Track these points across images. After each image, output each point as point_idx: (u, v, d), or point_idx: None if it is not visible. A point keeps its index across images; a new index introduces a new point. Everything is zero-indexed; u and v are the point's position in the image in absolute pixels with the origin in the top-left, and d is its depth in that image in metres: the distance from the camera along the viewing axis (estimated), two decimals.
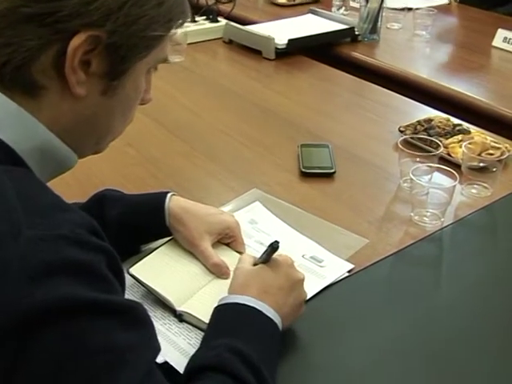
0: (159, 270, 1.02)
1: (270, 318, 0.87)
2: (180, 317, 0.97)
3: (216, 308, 0.90)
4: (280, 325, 0.89)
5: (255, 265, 0.95)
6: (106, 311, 0.66)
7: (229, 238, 1.09)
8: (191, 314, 0.96)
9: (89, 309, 0.64)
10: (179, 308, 0.97)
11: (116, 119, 0.80)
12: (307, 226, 1.22)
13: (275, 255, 0.95)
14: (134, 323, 0.68)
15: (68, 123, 0.75)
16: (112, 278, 0.68)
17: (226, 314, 0.89)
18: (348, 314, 1.03)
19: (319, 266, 1.10)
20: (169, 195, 1.06)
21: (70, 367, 0.62)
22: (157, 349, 0.72)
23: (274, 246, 0.93)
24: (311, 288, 1.02)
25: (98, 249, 0.68)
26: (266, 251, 0.95)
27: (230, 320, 0.87)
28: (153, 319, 0.93)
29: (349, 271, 1.10)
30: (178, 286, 1.00)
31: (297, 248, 1.13)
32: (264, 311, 0.87)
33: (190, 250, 1.05)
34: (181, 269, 1.03)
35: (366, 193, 1.37)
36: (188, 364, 0.83)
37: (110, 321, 0.66)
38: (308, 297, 0.98)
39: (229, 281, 1.01)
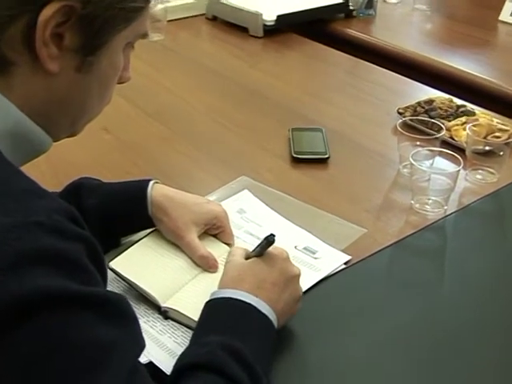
0: (142, 264, 1.04)
1: (265, 314, 0.88)
2: (165, 314, 0.98)
3: (207, 303, 0.91)
4: (275, 322, 0.90)
5: (248, 258, 0.97)
6: (87, 304, 0.66)
7: (216, 229, 1.10)
8: (177, 311, 0.97)
9: (68, 301, 0.65)
10: (164, 304, 0.98)
11: (92, 98, 0.81)
12: (299, 215, 1.23)
13: (270, 248, 0.96)
14: (117, 317, 0.69)
15: (41, 103, 0.76)
16: (93, 268, 0.69)
17: (218, 309, 0.90)
18: (345, 308, 1.04)
19: (313, 257, 1.12)
20: (151, 183, 1.07)
21: (47, 365, 0.63)
22: (142, 345, 0.73)
23: (269, 240, 0.94)
24: (305, 281, 1.03)
25: (78, 237, 0.68)
26: (260, 244, 0.96)
27: (222, 316, 0.88)
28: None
29: (345, 263, 1.12)
30: (162, 280, 1.01)
31: (289, 239, 1.14)
32: (259, 307, 0.88)
33: (175, 241, 1.07)
34: (165, 262, 1.05)
35: (362, 179, 1.38)
36: (176, 362, 0.83)
37: (91, 314, 0.66)
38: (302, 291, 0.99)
39: (217, 274, 1.02)
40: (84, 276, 0.67)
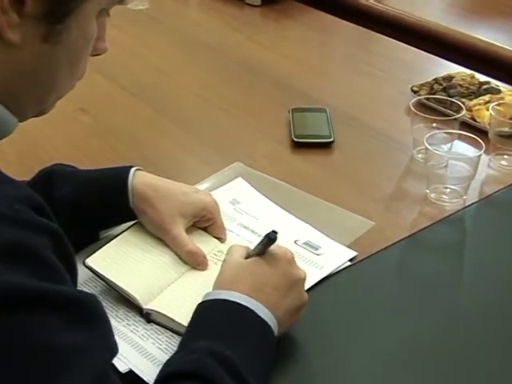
0: (122, 261, 1.04)
1: (263, 319, 0.88)
2: (147, 316, 0.98)
3: (199, 305, 0.91)
4: (275, 329, 0.90)
5: (247, 257, 0.97)
6: (51, 303, 0.67)
7: (206, 222, 1.10)
8: (161, 313, 0.97)
9: (29, 300, 0.65)
10: (146, 306, 0.98)
11: (62, 72, 0.81)
12: (300, 206, 1.24)
13: (272, 247, 0.96)
14: (84, 318, 0.70)
15: (3, 77, 0.76)
16: (59, 264, 0.70)
17: (210, 312, 0.90)
18: (349, 311, 1.05)
19: (315, 253, 1.12)
20: (132, 170, 1.07)
21: (1, 369, 0.64)
22: (112, 350, 0.73)
23: (271, 237, 0.94)
24: (306, 280, 1.02)
25: (43, 229, 0.69)
26: (261, 242, 0.96)
27: (215, 319, 0.89)
28: (114, 320, 0.96)
29: (351, 260, 1.12)
30: (144, 279, 1.02)
31: (288, 232, 1.14)
32: (257, 311, 0.88)
33: (159, 235, 1.07)
34: (148, 259, 1.05)
35: (371, 166, 1.39)
36: (161, 370, 0.84)
37: (55, 315, 0.67)
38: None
39: (207, 273, 1.03)
40: (48, 272, 0.68)
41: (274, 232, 0.94)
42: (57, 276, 0.69)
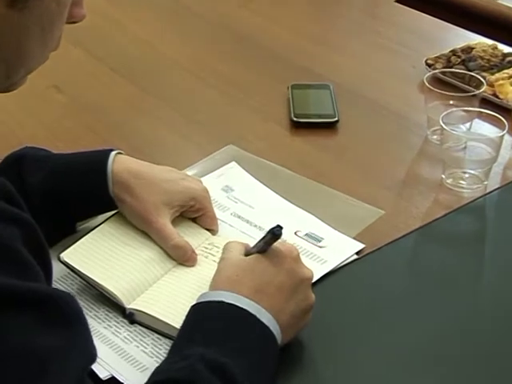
0: (101, 255, 1.04)
1: (265, 325, 0.88)
2: (131, 317, 0.99)
3: (193, 307, 0.91)
4: (278, 337, 0.90)
5: (248, 255, 0.97)
6: (21, 303, 0.67)
7: (195, 212, 1.11)
8: (146, 313, 0.98)
9: None
10: (129, 305, 0.99)
11: (32, 41, 0.80)
12: (301, 193, 1.24)
13: (276, 244, 0.96)
14: (59, 320, 0.70)
15: None
16: (31, 258, 0.70)
17: (205, 315, 0.90)
18: (357, 310, 1.05)
19: (318, 246, 1.13)
20: (112, 154, 1.07)
21: None
22: (91, 354, 0.74)
23: (275, 233, 0.94)
24: None
25: (12, 219, 0.69)
26: (263, 238, 0.96)
27: (210, 323, 0.89)
28: (94, 321, 0.97)
29: (358, 253, 1.13)
30: (126, 275, 1.02)
31: (287, 223, 1.11)
32: (258, 315, 0.88)
33: (143, 227, 1.07)
34: (130, 253, 1.05)
35: (380, 149, 1.39)
36: (149, 378, 0.84)
37: (26, 317, 0.67)
38: None
39: (196, 269, 1.04)
40: (19, 267, 0.68)
41: (279, 227, 0.93)
42: (29, 272, 0.69)
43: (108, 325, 0.99)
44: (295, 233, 1.15)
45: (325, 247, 1.13)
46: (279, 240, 0.95)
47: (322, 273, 1.08)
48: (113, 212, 1.10)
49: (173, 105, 1.51)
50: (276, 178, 1.28)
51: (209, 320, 0.89)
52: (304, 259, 1.02)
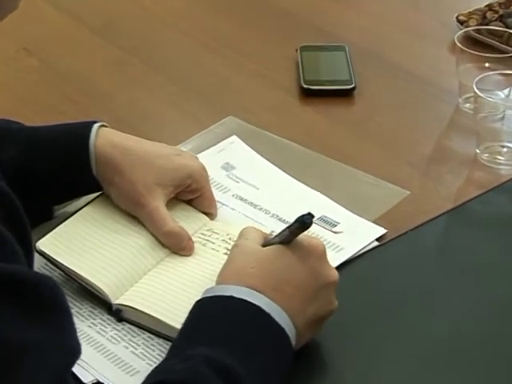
0: (83, 244, 1.04)
1: (280, 325, 0.88)
2: (118, 314, 0.99)
3: (197, 302, 0.91)
4: (293, 340, 0.90)
5: (267, 245, 0.96)
6: None
7: (191, 193, 1.11)
8: (136, 309, 0.98)
9: None
10: (117, 301, 0.99)
11: None
12: (312, 171, 1.24)
13: (302, 236, 0.95)
14: (39, 306, 0.70)
15: None
16: (9, 235, 0.70)
17: (211, 311, 0.90)
18: (377, 306, 1.04)
19: (332, 231, 1.13)
20: (95, 126, 1.07)
21: None
22: (75, 349, 0.74)
23: (304, 222, 0.92)
24: None
25: None
26: (288, 227, 0.95)
27: (216, 321, 0.89)
28: (76, 318, 0.96)
29: (378, 239, 1.13)
30: (113, 267, 1.02)
31: (297, 205, 1.14)
32: (273, 314, 0.88)
33: (132, 211, 1.08)
34: (117, 241, 1.05)
35: (404, 120, 1.39)
36: (145, 380, 0.84)
37: (4, 301, 0.67)
38: None
39: (194, 258, 1.04)
40: None
41: (310, 215, 0.92)
42: (6, 250, 0.69)
43: (92, 323, 0.99)
44: None
45: (341, 233, 1.13)
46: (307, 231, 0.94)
47: (338, 262, 1.08)
48: (96, 194, 1.10)
49: (163, 71, 1.51)
50: (284, 153, 1.28)
51: (213, 317, 0.90)
52: None
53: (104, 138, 1.07)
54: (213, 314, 0.90)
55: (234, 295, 0.88)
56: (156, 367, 0.86)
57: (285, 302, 0.90)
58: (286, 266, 0.93)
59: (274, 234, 0.98)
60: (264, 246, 0.96)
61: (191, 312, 0.91)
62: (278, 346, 0.89)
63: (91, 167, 1.06)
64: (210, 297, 0.90)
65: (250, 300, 0.88)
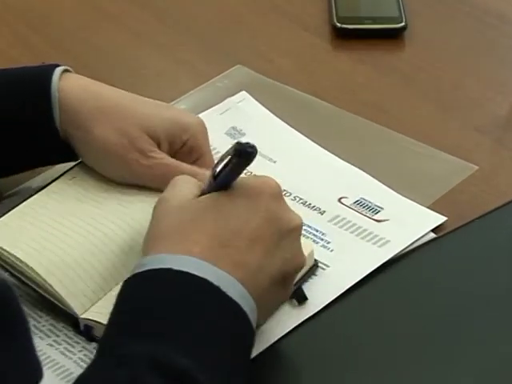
0: (45, 236, 1.03)
1: (232, 299, 0.86)
2: (87, 331, 0.99)
3: (126, 282, 0.90)
4: (252, 315, 0.89)
5: (203, 194, 0.95)
6: None
7: (187, 154, 1.11)
8: None
9: None
10: (84, 315, 0.98)
11: None
12: (348, 138, 1.24)
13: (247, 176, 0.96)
14: None
15: None
16: None
17: (143, 292, 0.89)
18: (433, 315, 1.03)
19: (374, 219, 1.12)
20: (58, 70, 1.08)
21: None
22: (35, 372, 0.73)
23: (245, 150, 0.89)
24: (359, 264, 1.04)
25: None
26: (225, 165, 0.93)
27: (151, 304, 0.87)
28: (33, 335, 0.95)
29: (435, 229, 1.12)
30: (83, 268, 1.01)
31: (328, 184, 1.15)
32: (222, 286, 0.86)
33: (120, 177, 1.08)
34: (94, 231, 1.04)
35: (471, 70, 1.38)
36: None
37: None
38: (352, 283, 1.00)
39: None
40: None
41: (249, 144, 0.89)
42: None
43: (55, 341, 0.99)
44: (339, 199, 1.14)
45: (385, 221, 1.12)
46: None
47: (382, 260, 1.07)
48: (63, 165, 1.11)
49: (151, 7, 1.51)
50: (309, 114, 1.27)
51: (146, 299, 0.88)
52: (353, 238, 1.03)
53: (70, 81, 1.08)
54: (146, 294, 0.88)
55: (171, 267, 0.87)
56: (80, 375, 0.83)
57: (235, 264, 0.89)
58: (230, 214, 0.92)
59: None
60: (201, 194, 0.94)
61: (119, 295, 0.89)
62: (233, 328, 0.88)
63: (54, 117, 1.07)
64: (141, 272, 0.88)
65: (189, 271, 0.86)
